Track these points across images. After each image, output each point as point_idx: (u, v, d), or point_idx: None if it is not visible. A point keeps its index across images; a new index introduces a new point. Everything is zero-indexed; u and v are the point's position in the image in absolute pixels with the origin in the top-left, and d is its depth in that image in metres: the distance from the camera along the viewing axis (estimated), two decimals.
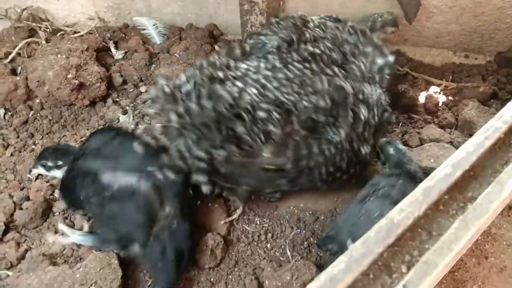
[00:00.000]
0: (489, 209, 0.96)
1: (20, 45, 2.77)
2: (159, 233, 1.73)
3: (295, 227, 1.98)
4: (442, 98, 2.54)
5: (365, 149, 1.83)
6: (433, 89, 2.61)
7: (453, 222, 0.95)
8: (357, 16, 2.44)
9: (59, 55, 2.43)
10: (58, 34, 2.91)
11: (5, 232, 1.94)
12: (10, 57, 2.73)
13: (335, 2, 2.65)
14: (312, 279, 1.24)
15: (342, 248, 1.64)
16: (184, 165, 1.67)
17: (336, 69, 1.76)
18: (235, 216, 2.00)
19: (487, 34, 2.59)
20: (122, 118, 2.44)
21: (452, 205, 0.99)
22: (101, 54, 2.79)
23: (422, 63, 2.80)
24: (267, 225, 2.00)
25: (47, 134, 2.45)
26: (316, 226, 1.98)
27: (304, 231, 1.96)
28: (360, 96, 1.76)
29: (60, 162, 1.94)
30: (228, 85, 1.63)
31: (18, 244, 1.92)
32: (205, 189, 1.70)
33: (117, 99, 2.61)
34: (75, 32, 2.96)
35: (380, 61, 1.93)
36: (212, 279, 1.83)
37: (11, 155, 2.33)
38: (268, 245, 1.94)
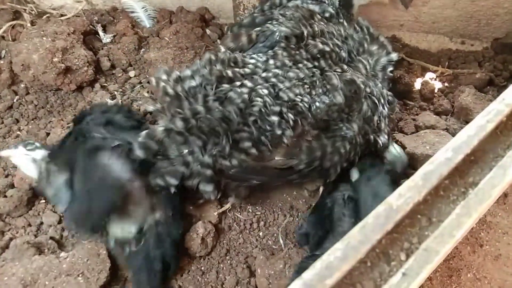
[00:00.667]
0: (491, 195, 0.93)
1: (4, 28, 2.67)
2: (145, 238, 1.67)
3: (288, 215, 1.95)
4: (438, 85, 2.50)
5: (382, 140, 1.82)
6: (429, 75, 2.57)
7: (454, 208, 0.92)
8: None
9: (44, 38, 2.33)
10: (44, 16, 2.79)
11: None
12: None
13: None
14: None
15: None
16: (188, 171, 1.61)
17: (345, 66, 1.76)
18: (227, 206, 1.95)
19: (484, 19, 2.55)
20: (111, 103, 2.36)
21: (453, 191, 0.96)
22: (89, 38, 2.69)
23: (418, 49, 2.75)
24: (259, 213, 1.96)
25: (32, 119, 2.37)
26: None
27: (297, 219, 1.93)
28: (368, 90, 1.75)
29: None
30: (237, 85, 1.57)
31: (3, 233, 1.87)
32: (210, 196, 1.67)
33: (105, 84, 2.53)
34: (61, 15, 2.85)
35: (384, 60, 1.94)
36: (203, 268, 1.79)
37: None
38: (261, 233, 1.90)
